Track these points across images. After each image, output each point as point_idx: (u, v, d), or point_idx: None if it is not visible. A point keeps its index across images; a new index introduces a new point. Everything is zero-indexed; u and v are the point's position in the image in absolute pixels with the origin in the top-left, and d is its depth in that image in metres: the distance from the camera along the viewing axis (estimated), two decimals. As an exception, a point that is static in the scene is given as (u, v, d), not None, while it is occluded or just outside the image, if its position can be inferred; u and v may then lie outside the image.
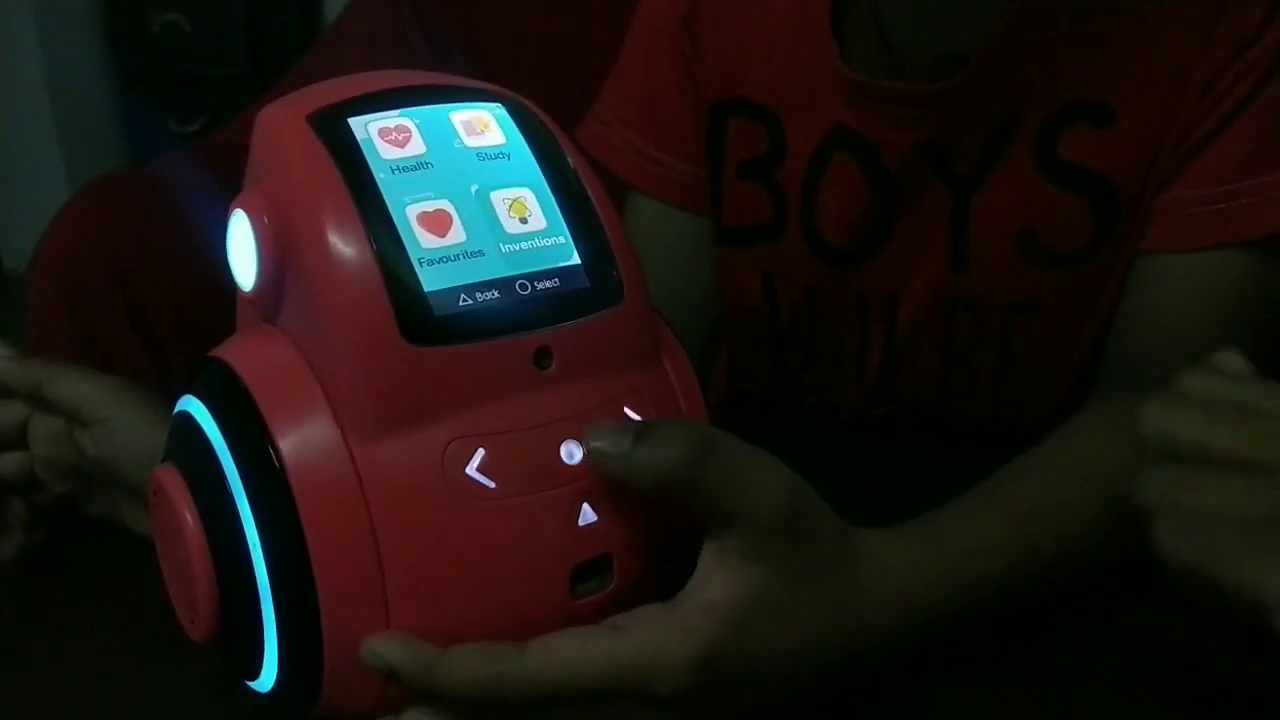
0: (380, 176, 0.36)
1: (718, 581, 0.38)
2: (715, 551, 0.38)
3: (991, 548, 0.45)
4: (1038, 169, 0.58)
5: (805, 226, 0.65)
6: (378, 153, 0.37)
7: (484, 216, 0.37)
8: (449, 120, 0.39)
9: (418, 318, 0.35)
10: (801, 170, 0.64)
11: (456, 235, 0.36)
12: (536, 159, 0.39)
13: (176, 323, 0.88)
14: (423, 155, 0.37)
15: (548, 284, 0.37)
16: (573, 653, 0.36)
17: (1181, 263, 0.56)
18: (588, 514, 0.37)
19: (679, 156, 0.68)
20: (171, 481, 0.37)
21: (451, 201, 0.37)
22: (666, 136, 0.68)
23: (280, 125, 0.38)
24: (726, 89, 0.65)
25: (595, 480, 0.37)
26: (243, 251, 0.38)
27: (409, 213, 0.36)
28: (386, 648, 0.35)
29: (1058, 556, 0.47)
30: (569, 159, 0.40)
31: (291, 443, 0.35)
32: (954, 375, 0.65)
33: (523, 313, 0.36)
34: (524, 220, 0.38)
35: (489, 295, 0.36)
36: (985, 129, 0.59)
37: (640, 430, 0.36)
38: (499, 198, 0.38)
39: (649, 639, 0.36)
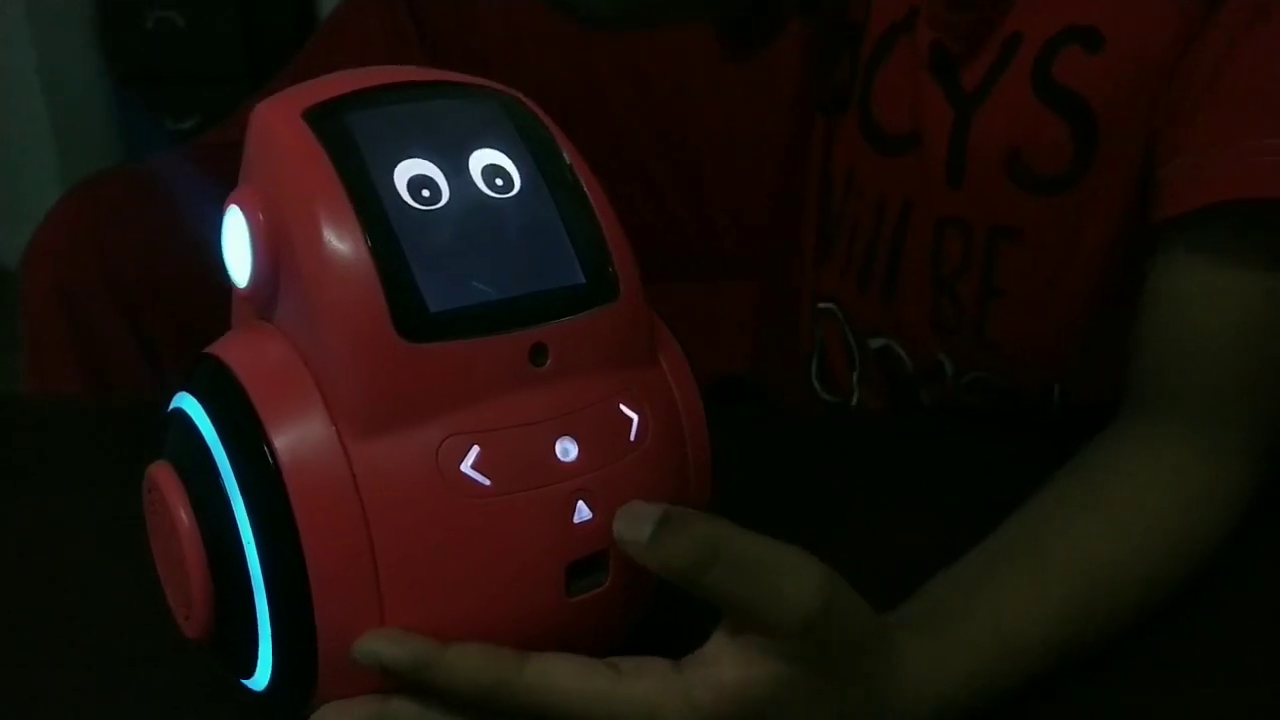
0: (376, 173, 0.36)
1: (729, 663, 0.36)
2: (730, 632, 0.37)
3: (1036, 647, 0.44)
4: (1032, 88, 0.59)
5: (861, 108, 0.67)
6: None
7: (481, 214, 0.37)
8: (445, 116, 0.39)
9: (413, 314, 0.35)
10: (870, 50, 0.67)
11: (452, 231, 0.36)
12: (533, 155, 0.39)
13: (170, 321, 0.88)
14: (418, 151, 0.37)
15: (543, 280, 0.37)
16: (568, 681, 0.35)
17: (1190, 241, 0.54)
18: (583, 511, 0.37)
19: None
20: (166, 479, 0.37)
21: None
22: None
23: (275, 121, 0.38)
24: None
25: (591, 477, 0.37)
26: (237, 248, 0.38)
27: (405, 209, 0.36)
28: (381, 646, 0.34)
29: (1102, 621, 0.47)
30: (565, 155, 0.40)
31: (286, 440, 0.34)
32: (942, 306, 0.66)
33: (518, 309, 0.36)
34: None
35: (485, 291, 0.36)
36: (994, 47, 0.60)
37: (660, 521, 0.35)
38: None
39: (646, 696, 0.35)
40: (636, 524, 0.36)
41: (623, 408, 0.38)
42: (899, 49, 0.66)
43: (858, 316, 0.72)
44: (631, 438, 0.38)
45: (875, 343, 0.72)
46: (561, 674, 0.35)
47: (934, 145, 0.63)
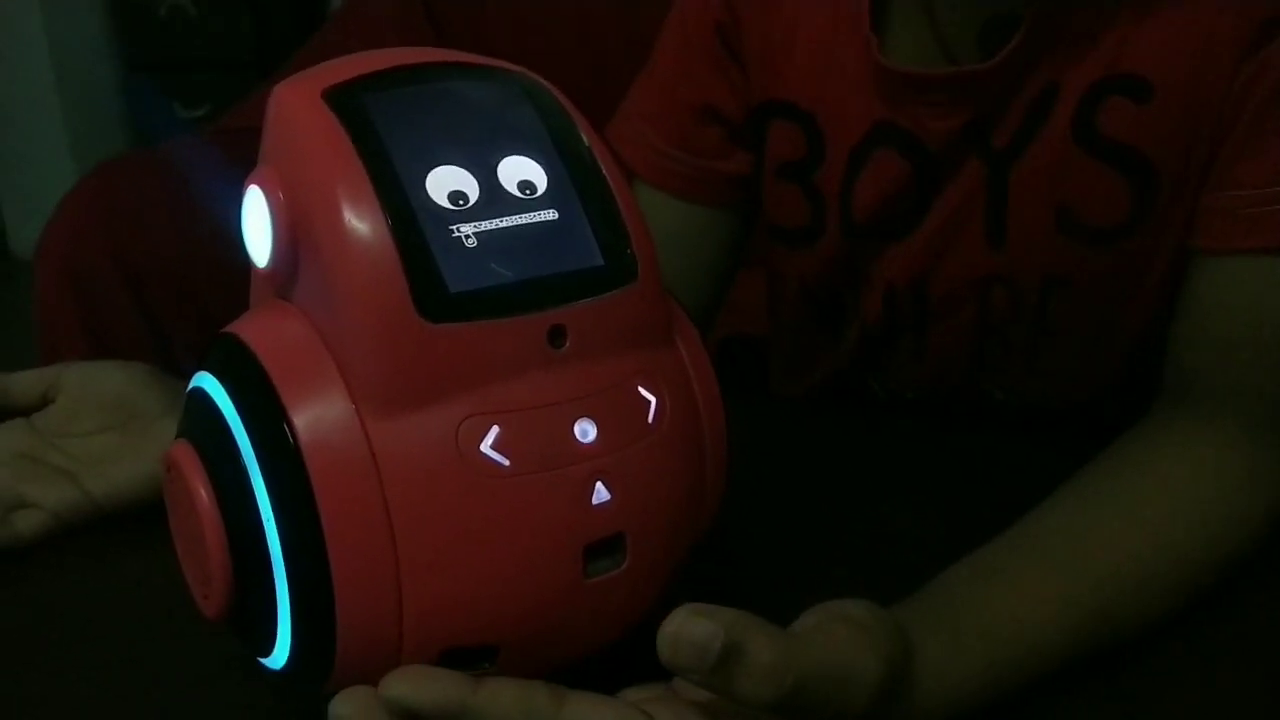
0: (395, 153, 0.36)
1: None
2: None
3: (1055, 643, 0.44)
4: (1075, 141, 0.58)
5: (843, 219, 0.65)
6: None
7: (499, 194, 0.37)
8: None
9: (433, 294, 0.35)
10: (840, 169, 0.64)
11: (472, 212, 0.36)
12: (552, 137, 0.39)
13: (180, 307, 0.88)
14: (438, 132, 0.37)
15: (562, 262, 0.37)
16: None
17: (1235, 264, 0.55)
18: (601, 492, 0.37)
19: (688, 151, 0.69)
20: (186, 457, 0.37)
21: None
22: (676, 132, 0.69)
23: (295, 101, 0.37)
24: (767, 91, 0.66)
25: (609, 459, 0.37)
26: (257, 227, 0.38)
27: (425, 189, 0.36)
28: (407, 690, 0.34)
29: (1129, 619, 0.47)
30: (583, 136, 0.40)
31: (306, 418, 0.34)
32: (989, 348, 0.65)
33: (537, 291, 0.36)
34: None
35: (504, 273, 0.36)
36: (1027, 100, 0.58)
37: (725, 651, 0.33)
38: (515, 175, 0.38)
39: None
40: (696, 652, 0.33)
41: (641, 390, 0.38)
42: (876, 160, 0.62)
43: (888, 379, 0.71)
44: (649, 420, 0.38)
45: (907, 396, 0.71)
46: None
47: (968, 207, 0.61)
